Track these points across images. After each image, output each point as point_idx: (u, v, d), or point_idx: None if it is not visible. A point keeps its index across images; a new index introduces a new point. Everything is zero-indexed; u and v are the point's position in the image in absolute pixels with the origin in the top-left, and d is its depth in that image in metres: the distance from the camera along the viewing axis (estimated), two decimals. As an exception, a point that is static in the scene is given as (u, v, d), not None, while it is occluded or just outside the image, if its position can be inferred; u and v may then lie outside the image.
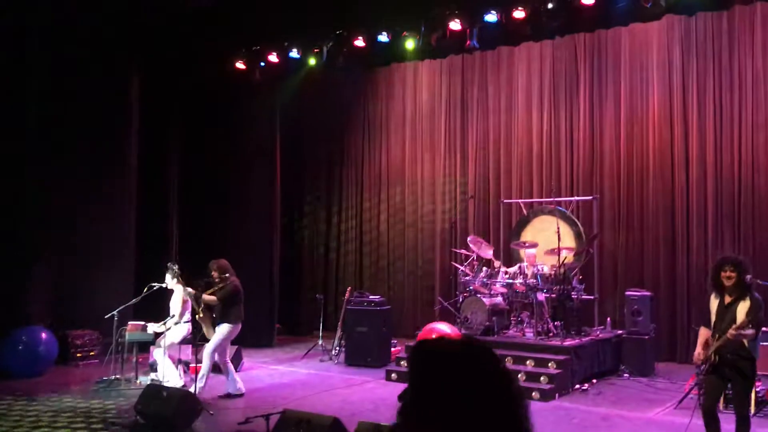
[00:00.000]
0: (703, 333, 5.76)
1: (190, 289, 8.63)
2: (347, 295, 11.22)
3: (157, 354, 8.98)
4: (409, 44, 10.83)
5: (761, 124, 9.90)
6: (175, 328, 8.86)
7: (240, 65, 11.93)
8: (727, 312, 5.51)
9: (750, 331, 5.36)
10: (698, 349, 5.70)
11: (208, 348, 8.43)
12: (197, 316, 8.61)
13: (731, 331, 5.33)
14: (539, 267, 9.77)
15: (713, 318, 5.62)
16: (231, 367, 8.71)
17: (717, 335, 5.52)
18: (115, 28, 11.27)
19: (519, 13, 9.70)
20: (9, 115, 10.61)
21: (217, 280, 8.59)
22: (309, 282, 13.96)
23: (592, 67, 11.22)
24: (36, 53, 10.81)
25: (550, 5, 9.45)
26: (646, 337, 9.38)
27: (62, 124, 10.88)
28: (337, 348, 10.85)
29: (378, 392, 8.79)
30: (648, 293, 9.65)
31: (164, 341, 8.83)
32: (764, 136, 9.88)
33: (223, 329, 8.46)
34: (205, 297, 8.48)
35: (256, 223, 12.70)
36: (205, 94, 12.37)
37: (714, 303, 5.64)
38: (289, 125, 13.19)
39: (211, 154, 12.74)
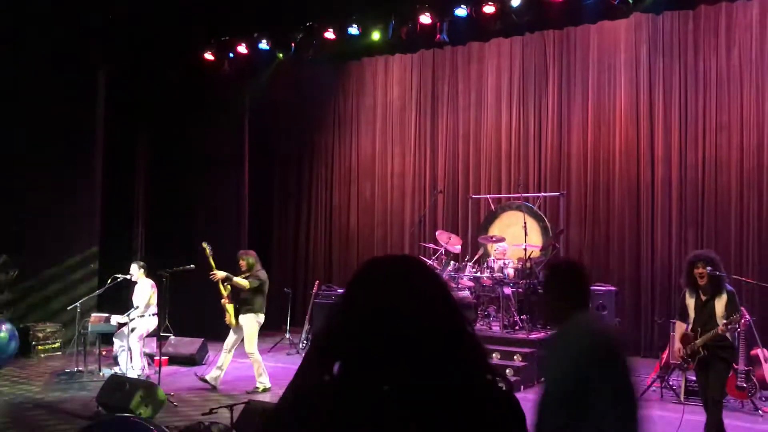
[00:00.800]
0: (680, 328, 5.91)
1: (222, 273, 8.40)
2: (315, 289, 11.20)
3: (121, 344, 8.84)
4: (376, 35, 10.78)
5: (725, 124, 10.07)
6: (142, 321, 8.76)
7: (209, 56, 11.81)
8: (705, 308, 5.67)
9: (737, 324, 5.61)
10: (677, 344, 5.84)
11: (251, 348, 8.32)
12: (222, 301, 8.43)
13: (722, 327, 5.52)
14: (505, 261, 9.84)
15: (691, 314, 5.75)
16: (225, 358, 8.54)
17: (699, 330, 5.66)
18: (80, 20, 11.10)
19: (489, 8, 9.74)
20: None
21: (244, 269, 8.49)
22: (278, 276, 13.83)
23: (560, 64, 11.31)
24: (3, 46, 10.62)
25: (518, 1, 9.48)
26: (611, 331, 9.48)
27: (29, 122, 10.71)
28: (305, 341, 10.82)
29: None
30: (613, 288, 9.77)
31: (131, 333, 8.70)
32: (727, 135, 10.05)
33: (250, 320, 8.35)
34: (237, 279, 8.30)
35: (224, 218, 12.59)
36: (174, 87, 12.23)
37: (690, 300, 5.77)
38: (259, 119, 13.09)
39: (179, 149, 12.59)
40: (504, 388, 1.48)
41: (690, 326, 5.77)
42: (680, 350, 5.81)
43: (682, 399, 7.58)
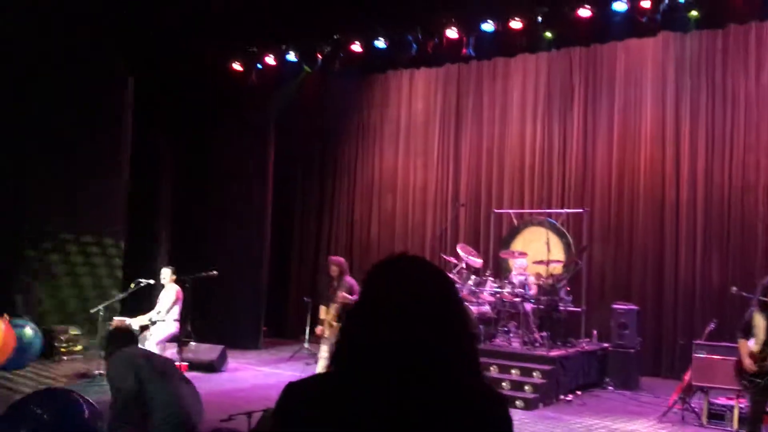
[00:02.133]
0: (744, 345, 6.06)
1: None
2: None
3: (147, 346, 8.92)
4: (406, 51, 10.82)
5: (752, 145, 9.97)
6: (163, 326, 8.83)
7: (237, 66, 11.94)
8: None
9: None
10: (747, 360, 5.93)
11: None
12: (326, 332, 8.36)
13: None
14: (526, 277, 9.79)
15: (761, 335, 5.87)
16: None
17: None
18: (112, 30, 11.30)
19: (516, 24, 9.75)
20: (9, 118, 10.63)
21: (335, 275, 8.49)
22: (297, 286, 13.92)
23: (586, 81, 11.29)
24: (34, 55, 10.82)
25: (545, 17, 9.49)
26: (632, 350, 9.39)
27: (59, 126, 10.89)
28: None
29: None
30: (635, 307, 9.67)
31: (151, 337, 8.78)
32: (755, 156, 9.94)
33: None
34: (348, 297, 8.18)
35: (246, 226, 12.69)
36: (201, 97, 12.39)
37: (761, 320, 5.89)
38: (283, 130, 13.20)
39: (204, 157, 12.73)
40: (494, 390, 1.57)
41: (759, 346, 5.89)
42: (752, 365, 5.87)
43: (704, 422, 7.48)
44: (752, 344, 6.01)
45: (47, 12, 10.74)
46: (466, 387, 1.48)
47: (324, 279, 13.65)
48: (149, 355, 5.27)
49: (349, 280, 8.54)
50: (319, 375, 1.61)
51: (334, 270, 8.60)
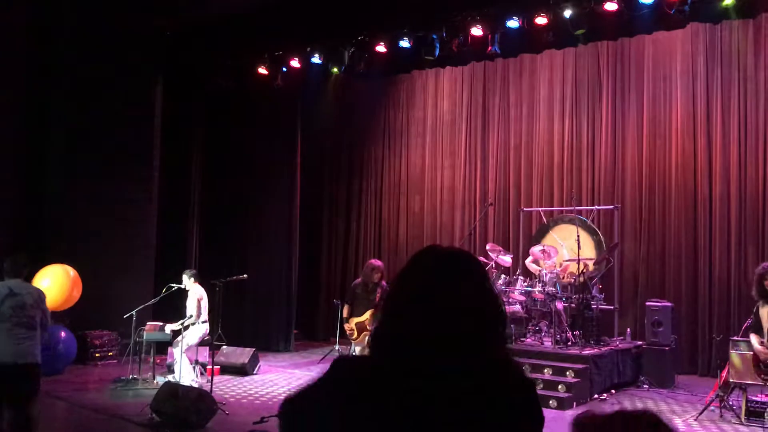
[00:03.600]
0: (756, 339, 6.06)
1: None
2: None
3: (176, 353, 9.01)
4: (429, 55, 10.74)
5: (787, 136, 9.76)
6: (194, 329, 8.89)
7: (262, 71, 12.00)
8: None
9: None
10: (760, 347, 5.81)
11: None
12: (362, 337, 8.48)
13: None
14: (556, 275, 9.69)
15: (765, 325, 5.72)
16: None
17: None
18: (139, 33, 11.44)
19: (541, 20, 9.65)
20: (35, 121, 10.81)
21: (378, 281, 8.55)
22: (327, 288, 13.94)
23: (614, 75, 11.14)
24: (62, 58, 11.01)
25: (572, 12, 9.38)
26: (667, 348, 9.24)
27: (86, 131, 11.05)
28: (353, 354, 10.81)
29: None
30: (669, 304, 9.52)
31: (183, 341, 8.85)
32: (790, 148, 9.73)
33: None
34: None
35: (275, 230, 12.74)
36: (228, 100, 12.48)
37: (763, 311, 5.73)
38: (310, 132, 13.25)
39: (232, 160, 12.82)
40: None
41: (766, 338, 5.75)
42: (764, 351, 5.76)
43: (743, 420, 7.32)
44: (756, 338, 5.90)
45: (76, 11, 10.93)
46: (494, 369, 1.51)
47: (354, 280, 13.72)
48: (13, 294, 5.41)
49: (385, 285, 8.54)
50: (364, 356, 1.65)
51: (377, 276, 8.58)
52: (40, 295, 5.63)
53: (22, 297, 5.43)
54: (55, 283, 8.96)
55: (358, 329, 8.59)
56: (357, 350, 8.71)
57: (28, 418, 5.30)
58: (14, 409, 5.26)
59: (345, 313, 8.71)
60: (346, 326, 8.66)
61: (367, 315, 8.50)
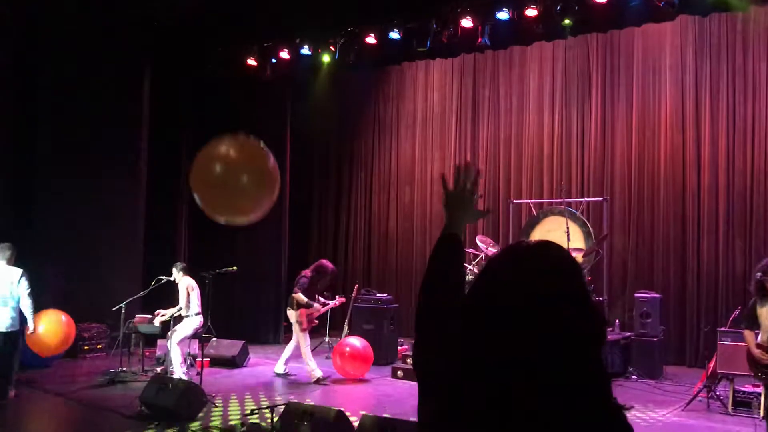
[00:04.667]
0: (749, 336, 5.95)
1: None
2: (354, 293, 11.20)
3: (167, 344, 8.97)
4: (421, 47, 10.72)
5: (774, 129, 9.81)
6: (188, 321, 8.85)
7: (251, 62, 11.93)
8: None
9: None
10: (756, 352, 5.81)
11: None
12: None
13: None
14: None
15: (765, 322, 5.74)
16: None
17: None
18: (126, 25, 11.35)
19: (531, 12, 9.64)
20: (21, 114, 10.72)
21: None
22: (317, 280, 13.91)
23: (604, 67, 11.16)
24: (47, 51, 10.90)
25: (562, 4, 9.37)
26: (655, 339, 9.29)
27: (73, 122, 10.95)
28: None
29: (383, 389, 8.76)
30: (657, 295, 9.57)
31: (174, 333, 8.82)
32: (777, 140, 9.79)
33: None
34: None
35: (264, 221, 12.66)
36: (217, 93, 12.40)
37: (762, 309, 5.75)
38: (299, 124, 13.20)
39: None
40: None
41: (760, 335, 5.75)
42: (763, 355, 5.75)
43: (730, 410, 7.38)
44: (759, 335, 5.88)
45: (62, 3, 10.83)
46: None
47: (334, 272, 13.74)
48: None
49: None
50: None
51: (327, 279, 9.41)
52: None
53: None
54: (49, 329, 8.88)
55: (308, 320, 9.05)
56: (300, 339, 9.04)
57: None
58: None
59: (304, 299, 9.05)
60: (295, 315, 9.05)
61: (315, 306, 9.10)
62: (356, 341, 9.45)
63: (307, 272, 9.24)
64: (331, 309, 11.89)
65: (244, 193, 4.00)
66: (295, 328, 9.05)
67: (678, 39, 10.53)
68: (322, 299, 9.53)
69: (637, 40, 10.87)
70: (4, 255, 7.68)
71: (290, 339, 9.48)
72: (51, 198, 10.86)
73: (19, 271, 7.67)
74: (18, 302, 7.61)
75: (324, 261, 9.59)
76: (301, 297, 8.96)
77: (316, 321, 9.34)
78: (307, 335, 9.03)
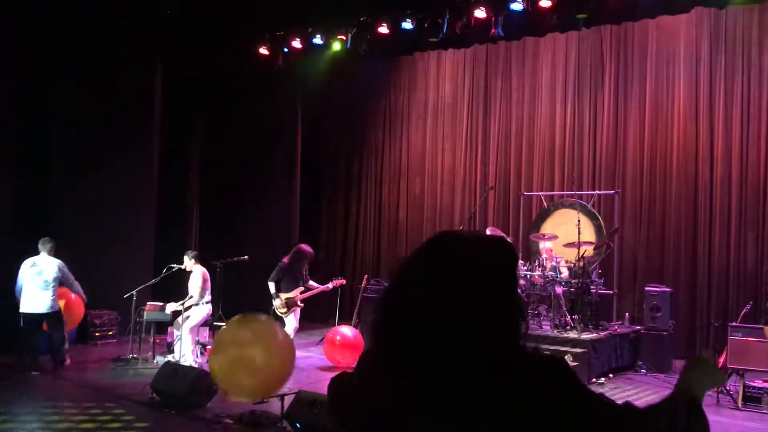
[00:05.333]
0: None
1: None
2: (364, 283, 11.22)
3: (177, 333, 9.03)
4: (433, 38, 10.70)
5: (789, 123, 9.73)
6: (197, 309, 8.90)
7: (263, 51, 11.93)
8: None
9: None
10: None
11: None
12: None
13: None
14: (556, 260, 9.71)
15: None
16: None
17: None
18: (137, 14, 11.35)
19: (545, 2, 9.58)
20: (35, 104, 10.76)
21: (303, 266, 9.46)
22: (326, 270, 13.94)
23: (617, 59, 11.08)
24: (59, 40, 10.91)
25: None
26: (665, 333, 9.28)
27: (86, 111, 10.98)
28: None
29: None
30: (668, 289, 9.54)
31: (185, 321, 8.87)
32: (792, 134, 9.71)
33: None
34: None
35: (275, 211, 12.74)
36: (229, 80, 12.40)
37: None
38: (310, 113, 13.20)
39: (232, 140, 12.78)
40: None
41: None
42: None
43: (739, 405, 7.37)
44: None
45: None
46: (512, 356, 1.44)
47: (350, 260, 13.76)
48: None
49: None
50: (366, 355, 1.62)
51: (306, 262, 9.57)
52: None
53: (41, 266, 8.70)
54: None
55: (288, 305, 9.26)
56: (288, 324, 9.25)
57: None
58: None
59: (272, 289, 9.30)
60: (278, 302, 9.25)
61: (296, 291, 9.30)
62: (347, 330, 9.55)
63: (285, 259, 9.49)
64: (339, 299, 11.97)
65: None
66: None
67: (693, 31, 10.44)
68: (313, 283, 9.72)
69: (651, 32, 10.78)
70: (45, 247, 8.88)
71: (298, 328, 9.59)
72: (63, 185, 10.92)
73: (59, 261, 8.87)
74: (57, 287, 8.79)
75: (302, 245, 9.81)
76: (270, 286, 9.30)
77: (301, 304, 9.43)
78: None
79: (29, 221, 10.47)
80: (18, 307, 8.66)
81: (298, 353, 9.56)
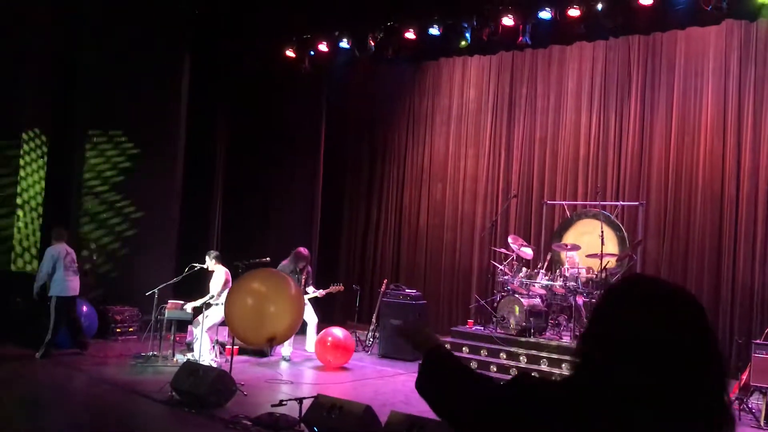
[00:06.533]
0: None
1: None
2: (383, 287, 11.22)
3: (197, 332, 9.09)
4: (463, 41, 10.73)
5: (819, 138, 9.59)
6: (217, 309, 8.96)
7: (290, 53, 11.99)
8: None
9: None
10: None
11: None
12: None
13: None
14: (578, 270, 9.65)
15: None
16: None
17: None
18: (166, 16, 11.46)
19: (574, 12, 9.54)
20: (61, 98, 10.90)
21: (301, 267, 9.76)
22: (345, 272, 13.97)
23: (645, 70, 10.98)
24: (89, 37, 11.06)
25: (605, 5, 9.26)
26: (687, 348, 9.16)
27: (113, 108, 11.12)
28: (371, 339, 10.87)
29: (410, 385, 8.75)
30: (690, 303, 9.41)
31: (204, 320, 8.93)
32: (821, 150, 9.57)
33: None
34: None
35: (297, 212, 12.79)
36: (255, 83, 12.48)
37: None
38: (335, 115, 13.23)
39: (256, 141, 12.85)
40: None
41: None
42: None
43: (762, 423, 7.28)
44: None
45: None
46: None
47: (370, 265, 13.76)
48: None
49: (309, 271, 9.92)
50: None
51: (302, 264, 9.79)
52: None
53: (71, 254, 9.45)
54: None
55: None
56: None
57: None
58: None
59: None
60: None
61: None
62: (338, 332, 9.64)
63: (285, 261, 9.81)
64: (359, 302, 11.99)
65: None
66: None
67: (722, 43, 10.31)
68: (311, 288, 10.07)
69: (680, 43, 10.67)
70: (64, 236, 9.54)
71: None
72: (90, 180, 11.06)
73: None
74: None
75: (300, 248, 10.06)
76: None
77: None
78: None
79: (53, 215, 10.63)
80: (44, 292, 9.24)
81: (315, 355, 9.64)
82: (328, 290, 9.86)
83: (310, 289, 9.95)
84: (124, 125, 11.25)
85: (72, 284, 9.32)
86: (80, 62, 11.11)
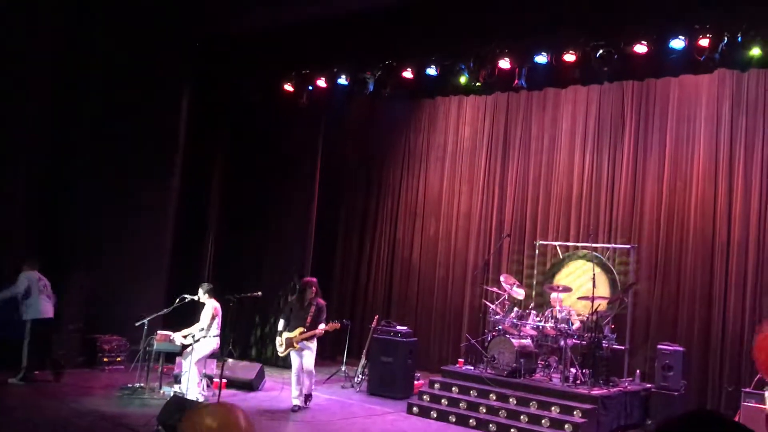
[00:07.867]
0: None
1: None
2: (374, 323, 11.19)
3: (185, 364, 9.02)
4: (461, 79, 10.87)
5: (809, 187, 9.71)
6: (205, 342, 8.92)
7: (288, 88, 12.10)
8: None
9: None
10: None
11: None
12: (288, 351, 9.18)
13: None
14: (569, 312, 9.66)
15: None
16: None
17: None
18: (166, 48, 11.57)
19: (570, 57, 9.69)
20: (61, 127, 10.94)
21: (310, 297, 9.32)
22: (337, 307, 13.89)
23: (638, 114, 11.13)
24: (89, 70, 11.13)
25: (601, 51, 9.41)
26: (676, 393, 9.16)
27: (111, 140, 11.15)
28: (360, 376, 10.80)
29: (399, 425, 8.71)
30: (680, 348, 9.44)
31: (192, 353, 8.87)
32: (812, 198, 9.68)
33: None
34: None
35: (290, 246, 12.79)
36: (252, 115, 12.58)
37: None
38: (331, 148, 13.31)
39: (251, 174, 12.90)
40: None
41: None
42: None
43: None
44: None
45: (106, 19, 11.10)
46: None
47: (362, 299, 13.72)
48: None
49: (320, 302, 9.33)
50: None
51: (311, 293, 9.31)
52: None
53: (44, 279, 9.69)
54: None
55: (287, 344, 9.14)
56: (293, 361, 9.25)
57: None
58: None
59: (280, 327, 9.26)
60: (278, 340, 9.20)
61: (297, 332, 9.07)
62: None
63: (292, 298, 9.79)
64: (349, 337, 11.87)
65: None
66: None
67: (715, 91, 10.48)
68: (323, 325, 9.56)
69: (673, 89, 10.84)
70: (37, 265, 9.82)
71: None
72: (80, 208, 11.03)
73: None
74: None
75: (305, 278, 10.05)
76: (279, 323, 9.42)
77: (297, 345, 9.14)
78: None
79: (44, 243, 10.58)
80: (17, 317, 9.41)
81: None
82: (325, 328, 9.42)
83: (321, 325, 9.28)
84: (121, 154, 11.26)
85: (46, 307, 9.60)
86: (80, 102, 11.15)
